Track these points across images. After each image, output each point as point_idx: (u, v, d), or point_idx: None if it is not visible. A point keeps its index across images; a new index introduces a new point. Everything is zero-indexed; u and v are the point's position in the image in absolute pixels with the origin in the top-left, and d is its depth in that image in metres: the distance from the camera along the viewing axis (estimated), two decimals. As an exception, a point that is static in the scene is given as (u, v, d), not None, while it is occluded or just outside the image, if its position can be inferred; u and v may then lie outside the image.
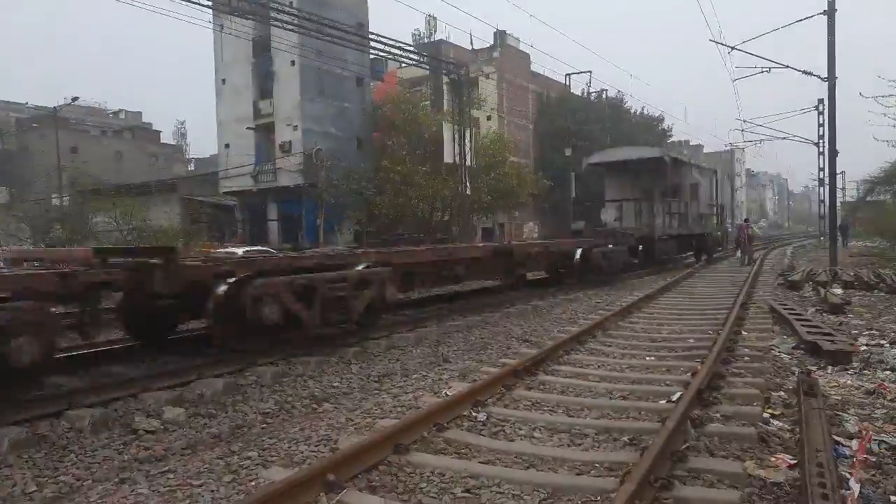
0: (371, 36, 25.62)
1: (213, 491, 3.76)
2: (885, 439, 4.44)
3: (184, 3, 16.62)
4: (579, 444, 4.45)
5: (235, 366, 6.68)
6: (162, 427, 5.08)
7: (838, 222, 26.50)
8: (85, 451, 4.58)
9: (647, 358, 7.30)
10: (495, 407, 5.30)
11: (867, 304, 11.66)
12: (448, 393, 5.73)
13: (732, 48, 19.83)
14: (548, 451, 4.28)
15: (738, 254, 23.88)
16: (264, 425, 5.18)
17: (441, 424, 4.67)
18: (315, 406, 5.70)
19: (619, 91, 53.63)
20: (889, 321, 9.76)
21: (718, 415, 4.92)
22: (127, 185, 26.39)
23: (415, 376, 6.73)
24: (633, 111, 52.63)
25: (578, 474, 3.89)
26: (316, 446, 4.51)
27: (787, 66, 20.48)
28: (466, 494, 3.60)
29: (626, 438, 4.51)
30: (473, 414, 5.06)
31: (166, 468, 4.21)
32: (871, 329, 9.01)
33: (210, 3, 19.43)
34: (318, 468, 3.64)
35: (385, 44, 23.94)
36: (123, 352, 7.38)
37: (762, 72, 20.79)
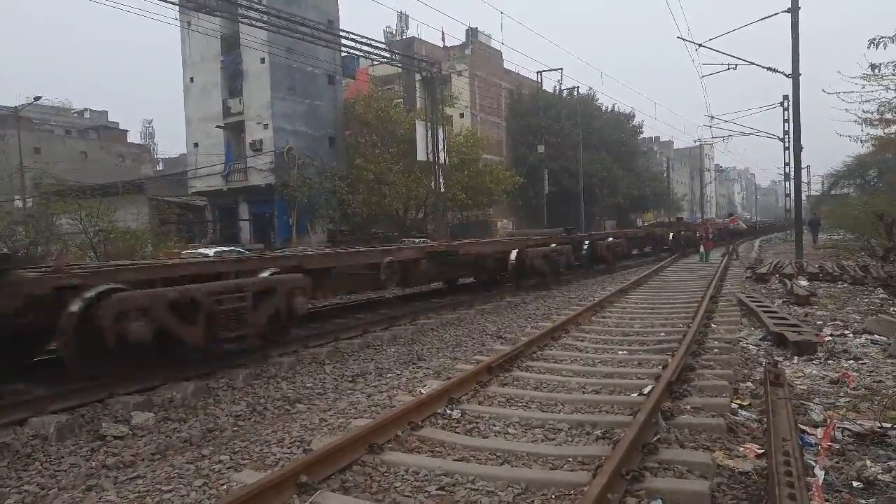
0: (342, 33, 25.46)
1: (183, 496, 3.70)
2: (848, 427, 4.55)
3: (149, -1, 16.30)
4: (553, 439, 4.48)
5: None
6: (130, 432, 4.97)
7: (808, 217, 27.14)
8: (50, 458, 4.47)
9: (620, 352, 7.38)
10: (470, 404, 5.31)
11: (831, 296, 11.96)
12: (423, 391, 5.72)
13: (699, 45, 20.17)
14: (522, 446, 4.30)
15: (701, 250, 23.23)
16: (236, 428, 5.11)
17: (415, 423, 4.66)
18: (288, 407, 5.65)
19: (590, 88, 54.25)
20: (852, 311, 10.03)
21: (688, 406, 5.00)
22: (93, 186, 25.80)
23: (389, 375, 6.71)
24: (604, 108, 53.24)
25: (552, 469, 3.92)
26: (289, 448, 4.46)
27: (753, 63, 20.89)
28: (441, 492, 3.60)
29: (598, 432, 4.55)
30: (448, 411, 5.06)
31: (135, 474, 4.12)
32: (836, 320, 9.24)
33: (176, 0, 19.09)
34: (290, 470, 3.60)
35: (356, 41, 23.81)
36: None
37: (729, 68, 21.19)
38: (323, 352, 7.63)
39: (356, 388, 6.21)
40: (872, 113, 13.05)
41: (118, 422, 5.14)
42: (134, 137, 67.67)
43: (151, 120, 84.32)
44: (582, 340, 8.08)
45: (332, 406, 5.57)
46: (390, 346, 8.30)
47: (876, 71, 11.14)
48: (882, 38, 9.59)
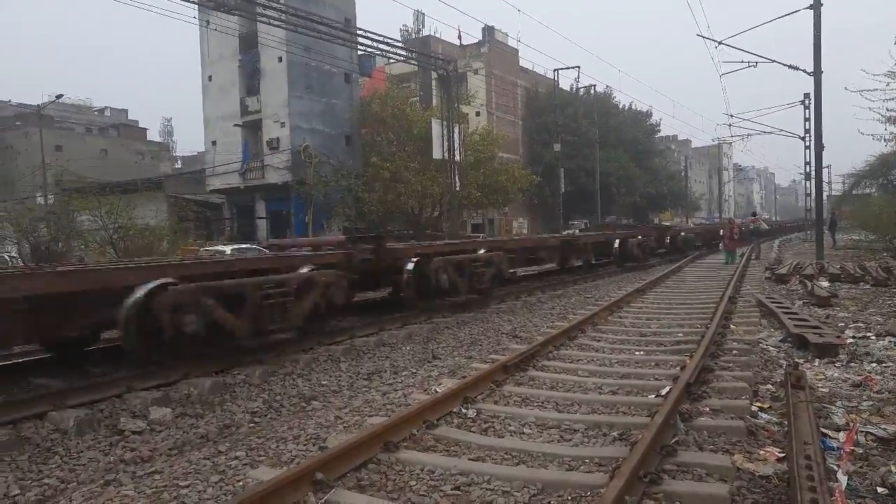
0: (359, 32, 25.51)
1: (199, 492, 3.72)
2: (871, 431, 4.46)
3: (168, -2, 16.43)
4: (569, 440, 4.44)
5: (224, 364, 6.59)
6: (148, 428, 5.02)
7: (826, 216, 26.73)
8: (69, 452, 4.52)
9: (637, 352, 7.32)
10: (485, 403, 5.28)
11: (853, 297, 11.76)
12: (438, 390, 5.70)
13: (719, 43, 19.92)
14: (538, 447, 4.27)
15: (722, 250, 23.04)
16: (252, 424, 5.14)
17: (431, 422, 4.64)
18: (304, 404, 5.67)
19: (607, 86, 53.87)
20: (874, 313, 9.85)
21: (707, 408, 4.94)
22: (112, 184, 26.13)
23: (404, 373, 6.71)
24: (621, 106, 52.86)
25: (568, 470, 3.88)
26: (304, 445, 4.47)
27: (774, 61, 20.60)
28: (456, 492, 3.59)
29: (615, 433, 4.51)
30: (463, 410, 5.04)
31: (152, 469, 4.16)
32: (857, 322, 9.08)
33: (196, 0, 19.24)
34: (306, 467, 3.61)
35: (373, 40, 23.85)
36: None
37: (749, 66, 20.91)
38: (339, 349, 7.64)
39: (371, 386, 6.22)
40: (897, 111, 12.78)
41: (136, 417, 5.19)
42: (153, 135, 68.46)
43: (170, 118, 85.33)
44: (598, 340, 8.01)
45: (347, 404, 5.58)
46: (405, 344, 8.30)
47: (901, 68, 10.89)
48: (908, 34, 9.38)
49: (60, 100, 40.66)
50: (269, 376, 6.52)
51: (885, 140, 15.45)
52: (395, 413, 4.88)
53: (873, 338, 7.89)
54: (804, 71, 19.92)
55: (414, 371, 6.82)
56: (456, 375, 6.41)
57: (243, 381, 6.28)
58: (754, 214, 26.78)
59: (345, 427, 4.84)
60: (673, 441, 4.15)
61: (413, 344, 8.31)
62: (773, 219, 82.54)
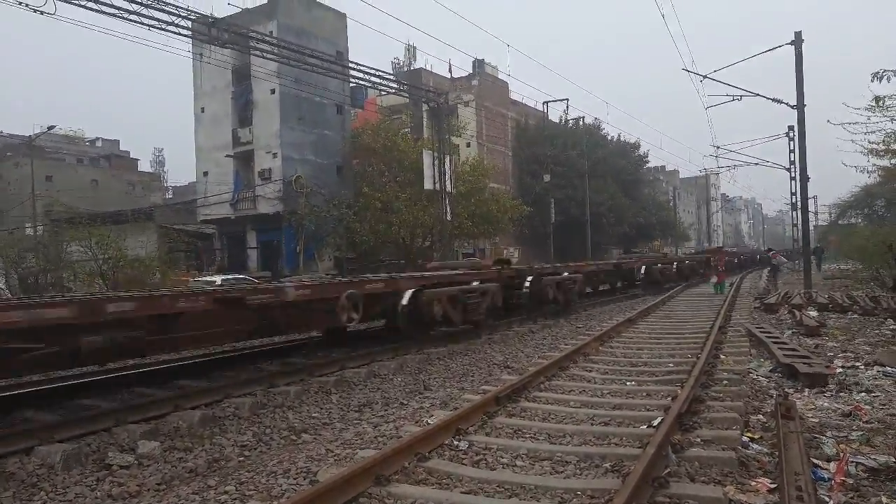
0: (351, 64, 25.89)
1: (188, 528, 3.66)
2: (861, 461, 4.48)
3: (163, 33, 16.69)
4: (561, 472, 4.43)
5: (214, 396, 6.56)
6: (136, 462, 4.95)
7: (812, 246, 27.15)
8: (56, 488, 4.45)
9: (628, 383, 7.32)
10: (477, 435, 5.26)
11: (842, 327, 11.86)
12: (429, 421, 5.67)
13: (704, 77, 20.36)
14: (530, 479, 4.25)
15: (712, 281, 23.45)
16: (242, 458, 5.08)
17: (422, 454, 4.62)
18: (294, 437, 5.61)
19: (595, 118, 54.64)
20: (862, 343, 9.93)
21: (699, 439, 4.94)
22: (103, 214, 26.04)
23: (395, 405, 6.67)
24: (609, 138, 53.58)
25: (561, 503, 3.86)
26: (295, 479, 4.43)
27: (758, 95, 21.05)
28: (448, 526, 3.55)
29: (607, 465, 4.50)
30: (455, 442, 5.02)
31: (140, 505, 4.10)
32: (846, 351, 9.15)
33: (189, 33, 19.51)
34: (296, 502, 3.57)
35: (365, 72, 24.22)
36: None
37: (734, 99, 21.35)
38: (330, 381, 7.60)
39: (362, 418, 6.18)
40: (878, 144, 13.11)
41: (124, 451, 5.12)
42: (145, 166, 68.45)
43: (162, 149, 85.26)
44: (590, 371, 8.02)
45: (338, 436, 5.54)
46: (397, 375, 8.26)
47: (880, 103, 11.20)
48: (885, 71, 9.70)
49: (52, 130, 40.77)
50: (259, 409, 6.47)
51: (868, 172, 15.85)
52: (387, 446, 4.85)
53: (862, 367, 7.95)
54: (787, 104, 20.38)
55: (405, 403, 6.78)
56: (448, 407, 6.38)
57: (233, 413, 6.22)
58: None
59: (336, 460, 4.80)
60: (665, 473, 4.15)
61: (404, 375, 8.27)
62: (763, 248, 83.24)
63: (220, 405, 6.40)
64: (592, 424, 5.61)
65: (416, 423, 5.79)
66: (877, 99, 11.27)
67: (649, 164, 62.92)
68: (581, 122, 47.84)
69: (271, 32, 26.42)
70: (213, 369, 8.05)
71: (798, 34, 19.59)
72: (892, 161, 13.75)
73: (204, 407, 6.26)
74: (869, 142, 13.04)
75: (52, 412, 6.01)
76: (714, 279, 22.90)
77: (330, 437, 5.52)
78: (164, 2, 16.73)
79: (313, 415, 6.35)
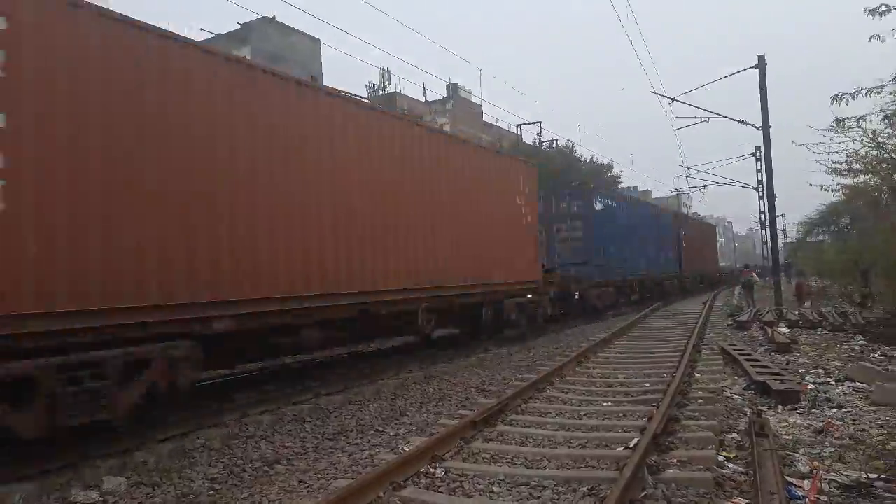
0: (325, 88, 25.93)
1: (154, 568, 3.53)
2: (834, 478, 4.52)
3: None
4: (538, 497, 4.38)
5: (184, 428, 6.38)
6: (101, 499, 4.77)
7: (782, 263, 27.77)
8: (14, 529, 4.26)
9: (605, 403, 7.32)
10: (453, 461, 5.20)
11: (812, 343, 12.05)
12: (405, 449, 5.60)
13: (672, 99, 20.83)
14: (507, 506, 4.20)
15: None
16: (212, 492, 4.93)
17: (398, 483, 4.54)
18: (266, 469, 5.47)
19: (568, 140, 55.43)
20: (833, 359, 10.10)
21: (674, 460, 4.94)
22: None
23: (371, 432, 6.56)
24: (583, 159, 54.27)
25: (538, 529, 3.81)
26: (266, 512, 4.31)
27: (724, 116, 21.57)
28: (423, 557, 3.48)
29: (585, 489, 4.46)
30: (431, 470, 4.94)
31: (104, 545, 3.94)
32: (817, 367, 9.29)
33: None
34: (267, 537, 3.47)
35: (339, 96, 24.22)
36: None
37: (701, 121, 21.85)
38: (304, 409, 7.47)
39: (337, 447, 6.06)
40: (841, 163, 13.51)
41: (88, 488, 4.94)
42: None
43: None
44: (566, 392, 8.00)
45: (312, 466, 5.42)
46: (373, 401, 8.15)
47: (840, 124, 11.56)
48: (844, 94, 9.99)
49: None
50: (231, 440, 6.31)
51: (832, 191, 16.30)
52: (361, 476, 4.76)
53: (833, 383, 8.07)
54: (753, 126, 20.90)
55: (380, 429, 6.68)
56: (424, 433, 6.30)
57: (203, 445, 6.06)
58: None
59: (309, 492, 4.69)
60: (641, 496, 4.14)
61: (380, 401, 8.16)
62: (735, 265, 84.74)
63: (190, 437, 6.23)
64: (569, 447, 5.58)
65: (392, 450, 5.70)
66: (837, 121, 11.62)
67: (622, 185, 63.85)
68: (555, 144, 48.46)
69: (245, 57, 26.38)
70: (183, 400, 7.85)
71: (761, 58, 20.17)
72: (855, 180, 14.16)
73: (173, 439, 6.09)
74: (832, 161, 13.44)
75: (11, 448, 5.78)
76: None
77: (304, 468, 5.40)
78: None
79: (287, 444, 6.21)
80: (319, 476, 5.08)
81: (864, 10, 8.40)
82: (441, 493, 4.50)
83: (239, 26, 30.49)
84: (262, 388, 8.52)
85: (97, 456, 5.48)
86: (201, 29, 28.04)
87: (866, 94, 10.14)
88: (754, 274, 24.39)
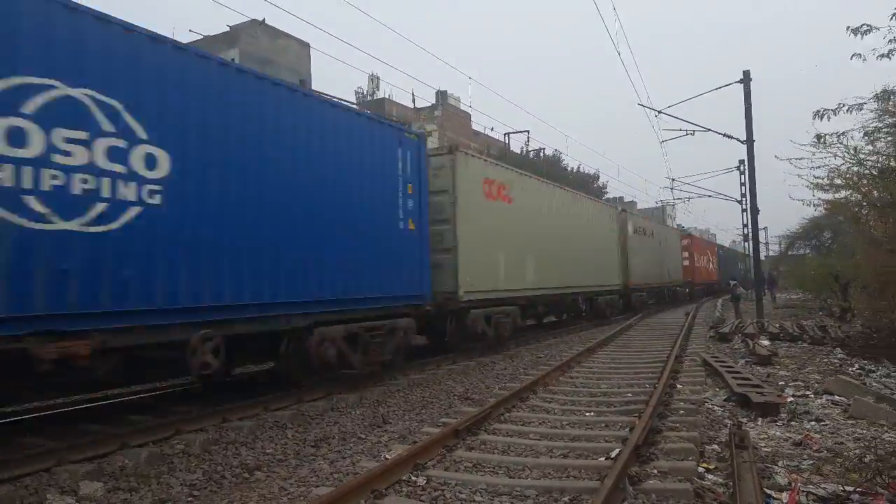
0: (314, 93, 25.87)
1: (129, 575, 3.48)
2: (812, 491, 4.57)
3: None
4: (520, 507, 4.38)
5: (163, 433, 6.31)
6: (77, 504, 4.71)
7: (765, 275, 28.12)
8: (-13, 535, 4.19)
9: (587, 413, 7.35)
10: (435, 470, 5.18)
11: (792, 356, 12.19)
12: (387, 456, 5.58)
13: (659, 112, 21.05)
14: (488, 515, 4.19)
15: None
16: (190, 498, 4.88)
17: (379, 491, 4.53)
18: (246, 475, 5.42)
19: (556, 150, 55.69)
20: (812, 372, 10.22)
21: (655, 471, 4.97)
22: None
23: (353, 440, 6.53)
24: (570, 169, 54.62)
25: (518, 539, 3.81)
26: (246, 520, 4.27)
27: (709, 130, 21.83)
28: (403, 566, 3.47)
29: (566, 499, 4.48)
30: (413, 478, 4.93)
31: (79, 551, 3.88)
32: (797, 380, 9.39)
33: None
34: (246, 545, 3.44)
35: (328, 101, 24.18)
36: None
37: (687, 134, 22.09)
38: (286, 415, 7.41)
39: (318, 454, 6.02)
40: (823, 178, 13.72)
41: (64, 492, 4.87)
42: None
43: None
44: (549, 402, 8.02)
45: (292, 473, 5.38)
46: (356, 408, 8.11)
47: (822, 140, 11.76)
48: (826, 110, 10.18)
49: None
50: (211, 445, 6.24)
51: (814, 205, 16.53)
52: (342, 483, 4.74)
53: (812, 396, 8.16)
54: (738, 140, 21.17)
55: (363, 437, 6.65)
56: (406, 441, 6.28)
57: (182, 451, 5.99)
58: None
59: (289, 499, 4.66)
60: (622, 506, 4.15)
61: (363, 408, 8.13)
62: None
63: (170, 442, 6.16)
64: (552, 457, 5.59)
65: (374, 457, 5.68)
66: (818, 136, 11.81)
67: (608, 195, 64.30)
68: (542, 154, 48.74)
69: (233, 59, 26.28)
70: (164, 404, 7.77)
71: (746, 73, 20.47)
72: (836, 195, 14.39)
73: (152, 444, 6.02)
74: (814, 176, 13.63)
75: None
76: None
77: (284, 475, 5.36)
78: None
79: (267, 450, 6.16)
80: (300, 483, 5.04)
81: (847, 29, 8.56)
82: (422, 501, 4.49)
83: (228, 28, 30.40)
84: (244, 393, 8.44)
85: (74, 460, 5.40)
86: (190, 31, 27.87)
87: (847, 110, 10.34)
88: (740, 288, 24.63)
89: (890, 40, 8.50)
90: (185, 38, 23.16)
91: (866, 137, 11.73)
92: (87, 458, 5.51)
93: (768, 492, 4.53)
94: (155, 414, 7.16)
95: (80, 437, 6.20)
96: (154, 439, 6.15)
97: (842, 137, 11.84)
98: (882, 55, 8.69)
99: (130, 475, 5.32)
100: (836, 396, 8.04)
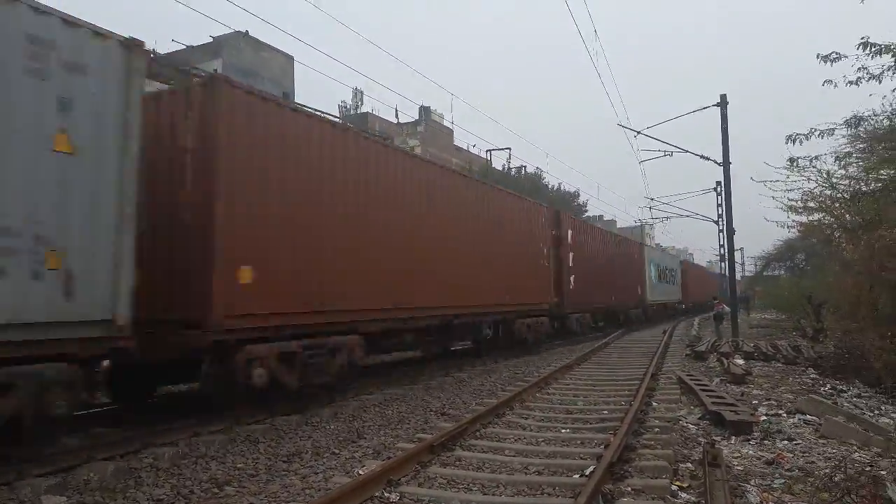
0: (297, 106, 25.84)
1: None
2: (783, 509, 4.59)
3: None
4: (493, 525, 4.34)
5: (131, 446, 6.17)
6: (37, 519, 4.56)
7: (740, 294, 28.59)
8: (-59, 551, 4.03)
9: (563, 430, 7.34)
10: (409, 486, 5.13)
11: (766, 375, 12.32)
12: (360, 472, 5.51)
13: (638, 133, 21.38)
14: (460, 532, 4.15)
15: None
16: (157, 514, 4.76)
17: (350, 507, 4.45)
18: (216, 490, 5.31)
19: (537, 167, 56.18)
20: (785, 391, 10.33)
21: (629, 488, 4.97)
22: None
23: (326, 455, 6.44)
24: (550, 186, 55.07)
25: (490, 557, 3.77)
26: (213, 536, 4.17)
27: (687, 151, 22.21)
28: (373, 585, 3.41)
29: (539, 516, 4.45)
30: (386, 494, 4.87)
31: (37, 568, 3.75)
32: (770, 399, 9.49)
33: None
34: (211, 562, 3.35)
35: (311, 114, 24.17)
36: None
37: (665, 154, 22.43)
38: (258, 429, 7.29)
39: (290, 469, 5.92)
40: (797, 201, 14.00)
41: (25, 508, 4.72)
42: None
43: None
44: (526, 418, 8.00)
45: (263, 489, 5.28)
46: (330, 422, 8.01)
47: (794, 164, 12.03)
48: (798, 134, 10.42)
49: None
50: (180, 459, 6.11)
51: (788, 227, 16.86)
52: (314, 499, 4.66)
53: (784, 415, 8.25)
54: (715, 161, 21.55)
55: (337, 452, 6.56)
56: (381, 456, 6.21)
57: (150, 464, 5.85)
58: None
59: (259, 515, 4.56)
60: (595, 524, 4.13)
61: (338, 423, 8.03)
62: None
63: (138, 455, 6.02)
64: (526, 474, 5.57)
65: (347, 473, 5.60)
66: (791, 160, 12.08)
67: (588, 214, 64.92)
68: (524, 171, 49.11)
69: (216, 70, 26.19)
70: (132, 416, 7.60)
71: (723, 97, 20.89)
72: (810, 218, 14.68)
73: (119, 458, 5.88)
74: (788, 199, 13.91)
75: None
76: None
77: (254, 490, 5.26)
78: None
79: (238, 465, 6.04)
80: (270, 499, 4.95)
81: (817, 57, 8.79)
82: (394, 518, 4.43)
83: (211, 39, 30.31)
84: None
85: (37, 474, 5.25)
86: (173, 40, 27.79)
87: (819, 135, 10.57)
88: (724, 306, 24.86)
89: (858, 69, 8.73)
90: (168, 48, 23.02)
91: (838, 162, 12.01)
92: (49, 471, 5.36)
93: (740, 510, 4.55)
94: (123, 426, 7.00)
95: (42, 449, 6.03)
96: (121, 453, 6.01)
97: (814, 161, 12.11)
98: (850, 82, 8.92)
99: (95, 489, 5.18)
100: (809, 416, 8.14)
